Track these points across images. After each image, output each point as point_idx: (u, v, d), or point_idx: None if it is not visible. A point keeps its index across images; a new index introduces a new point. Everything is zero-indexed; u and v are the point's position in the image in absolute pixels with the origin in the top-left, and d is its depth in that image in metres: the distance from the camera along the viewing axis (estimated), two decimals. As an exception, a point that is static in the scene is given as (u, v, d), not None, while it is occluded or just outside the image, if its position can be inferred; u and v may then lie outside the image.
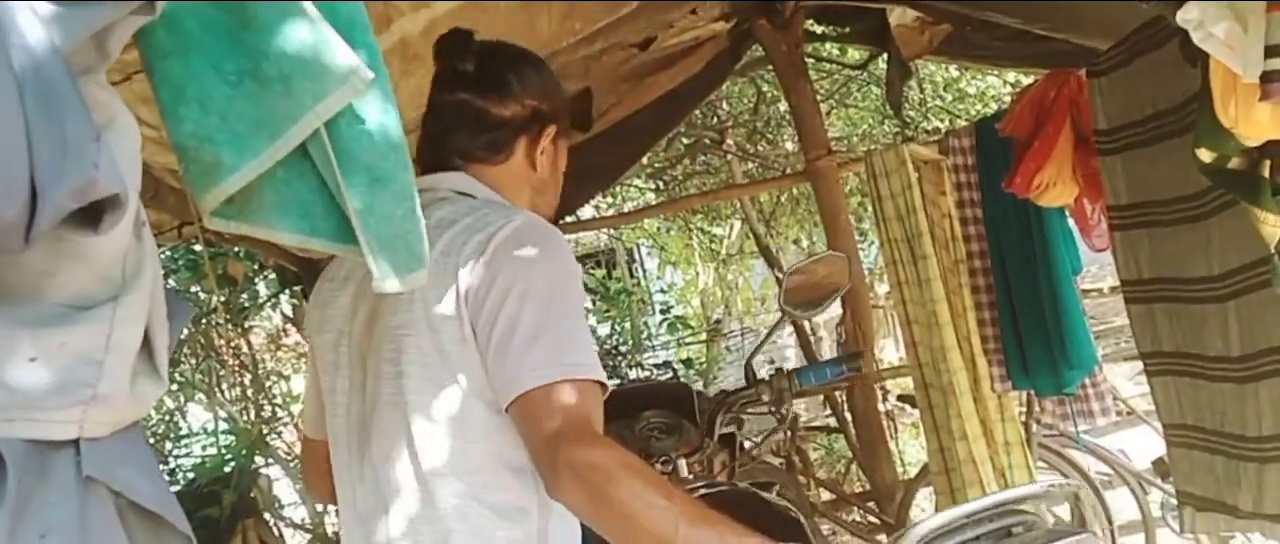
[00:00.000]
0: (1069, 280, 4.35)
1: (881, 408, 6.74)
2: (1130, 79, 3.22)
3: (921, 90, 8.52)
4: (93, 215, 1.28)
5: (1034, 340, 4.42)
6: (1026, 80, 4.39)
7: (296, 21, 1.40)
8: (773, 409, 3.97)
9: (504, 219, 1.95)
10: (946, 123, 8.11)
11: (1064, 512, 5.55)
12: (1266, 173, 2.56)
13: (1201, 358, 3.20)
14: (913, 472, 6.35)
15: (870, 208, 5.47)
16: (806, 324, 9.64)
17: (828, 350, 9.62)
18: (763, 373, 4.44)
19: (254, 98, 1.46)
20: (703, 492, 3.08)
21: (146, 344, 1.48)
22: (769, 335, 4.81)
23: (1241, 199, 2.65)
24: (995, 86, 8.73)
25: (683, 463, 3.30)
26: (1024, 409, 5.36)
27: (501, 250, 1.90)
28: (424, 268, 1.58)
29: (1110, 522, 5.53)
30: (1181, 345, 3.29)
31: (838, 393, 6.67)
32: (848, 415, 6.43)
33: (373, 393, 2.01)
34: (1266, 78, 2.12)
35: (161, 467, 8.50)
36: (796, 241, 10.96)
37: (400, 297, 1.86)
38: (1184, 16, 2.24)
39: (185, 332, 8.09)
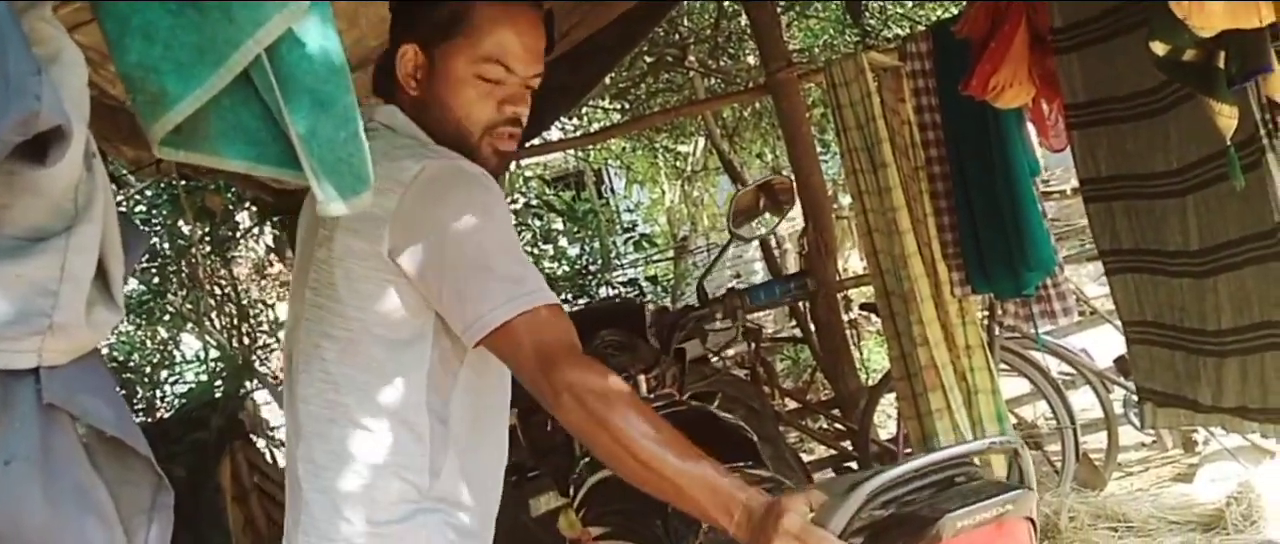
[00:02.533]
0: (1027, 182, 4.35)
1: (845, 317, 6.79)
2: None
3: (878, -4, 8.53)
4: (39, 148, 1.32)
5: (993, 244, 4.44)
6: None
7: None
8: (729, 325, 4.05)
9: (414, 165, 1.99)
10: (907, 29, 8.08)
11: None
12: (1222, 63, 2.56)
13: (1160, 254, 3.21)
14: (877, 379, 6.38)
15: (831, 118, 5.46)
16: (772, 238, 9.68)
17: (793, 263, 9.64)
18: (727, 288, 4.50)
19: (195, 26, 1.47)
20: (661, 409, 3.11)
21: (101, 273, 1.50)
22: (721, 255, 4.86)
23: (1197, 91, 2.65)
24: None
25: (642, 379, 3.34)
26: (986, 313, 5.40)
27: (416, 200, 1.96)
28: (368, 189, 1.59)
29: (1073, 420, 5.62)
30: (1140, 242, 3.29)
31: (801, 304, 6.70)
32: (811, 326, 6.47)
33: (296, 317, 2.14)
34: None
35: (155, 394, 8.61)
36: (760, 156, 10.98)
37: (326, 228, 2.02)
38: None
39: (171, 265, 8.17)
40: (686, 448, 1.82)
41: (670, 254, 11.98)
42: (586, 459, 3.15)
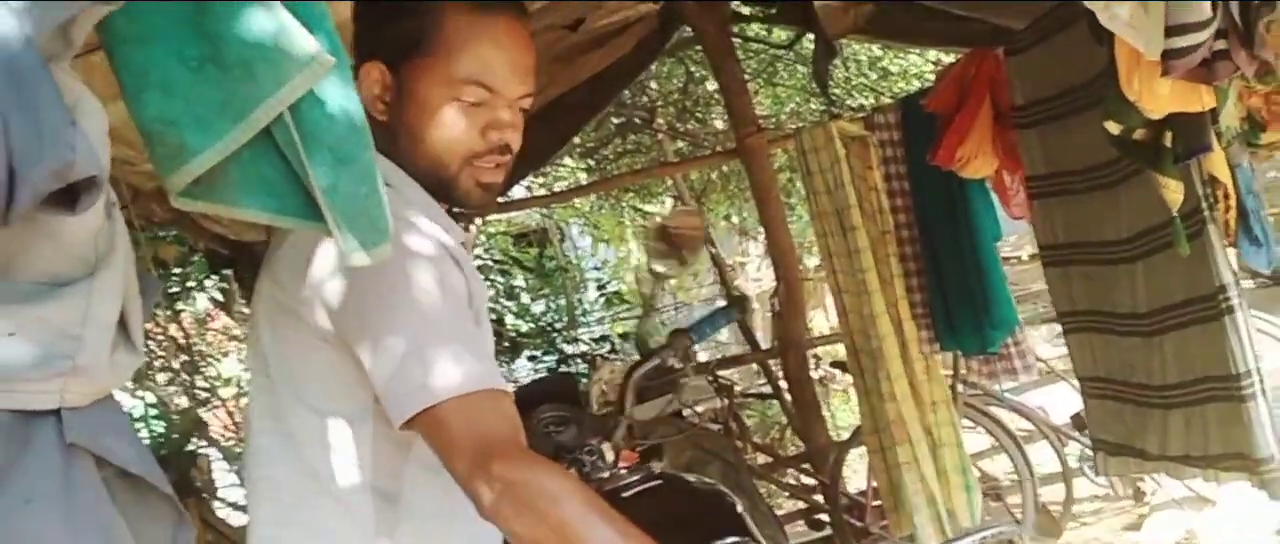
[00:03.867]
0: (991, 246, 4.59)
1: (814, 375, 6.98)
2: (1044, 57, 3.44)
3: (846, 68, 8.72)
4: (68, 197, 1.34)
5: (959, 303, 4.66)
6: (948, 59, 4.60)
7: (255, 9, 1.44)
8: (681, 367, 4.07)
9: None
10: (871, 99, 8.34)
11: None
12: (1168, 142, 2.82)
13: (1112, 315, 3.44)
14: (846, 434, 6.59)
15: (799, 183, 5.67)
16: (755, 305, 9.91)
17: (762, 323, 9.83)
18: (671, 330, 4.66)
19: (216, 82, 1.47)
20: (636, 483, 3.13)
21: (121, 318, 1.55)
22: (649, 304, 5.00)
23: (1146, 167, 2.91)
24: (917, 64, 8.94)
25: (607, 447, 3.29)
26: (950, 372, 5.63)
27: (346, 270, 1.70)
28: (388, 242, 1.54)
29: (1031, 473, 5.83)
30: (1094, 304, 3.53)
31: (772, 362, 6.87)
32: (783, 383, 6.63)
33: (252, 382, 1.94)
34: (1167, 55, 2.36)
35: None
36: (727, 218, 11.18)
37: (261, 283, 1.86)
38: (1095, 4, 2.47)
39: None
40: (642, 540, 1.55)
41: (639, 312, 12.13)
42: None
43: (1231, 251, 3.07)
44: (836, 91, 8.20)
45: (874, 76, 8.98)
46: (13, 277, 1.45)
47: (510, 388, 1.73)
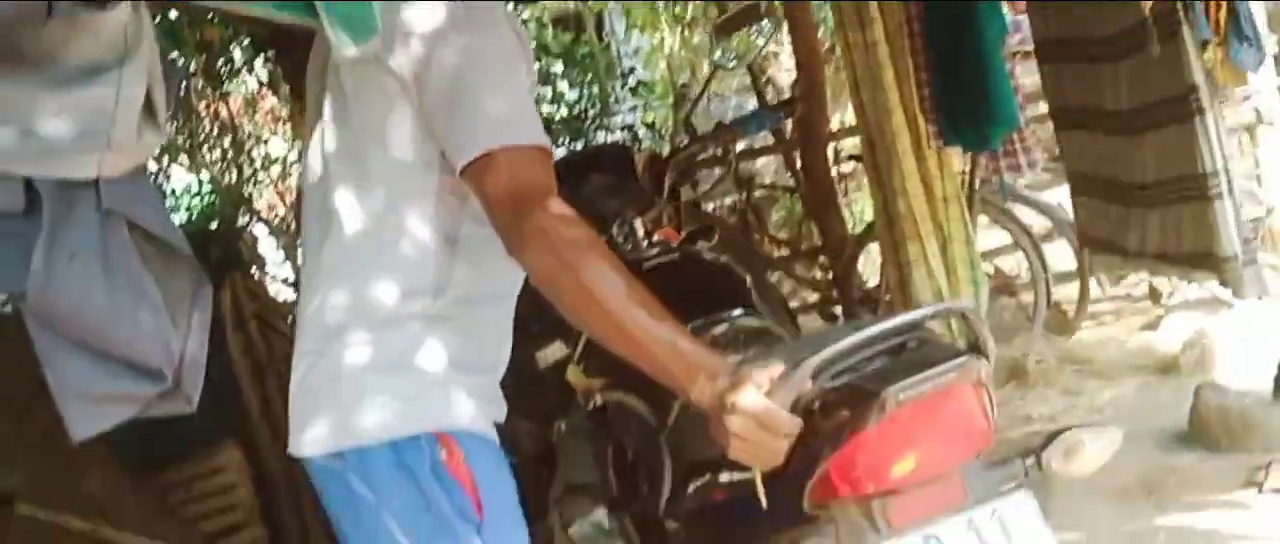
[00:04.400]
0: (995, 44, 4.56)
1: (835, 168, 7.04)
2: None
3: None
4: None
5: (961, 99, 4.68)
6: None
7: None
8: (719, 159, 4.19)
9: None
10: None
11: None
12: (1148, -57, 2.83)
13: (1099, 112, 3.50)
14: (862, 228, 6.65)
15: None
16: (770, 89, 9.89)
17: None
18: (716, 123, 4.69)
19: None
20: (656, 257, 3.19)
21: (148, 101, 1.78)
22: (706, 87, 5.01)
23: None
24: None
25: (638, 222, 3.33)
26: (967, 169, 5.67)
27: (426, 15, 1.90)
28: (376, 35, 1.81)
29: (1046, 270, 5.91)
30: (1083, 100, 3.58)
31: (794, 154, 6.91)
32: (803, 175, 6.70)
33: (309, 148, 2.14)
34: None
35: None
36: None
37: (333, 63, 1.99)
38: None
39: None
40: (656, 309, 1.76)
41: (669, 101, 12.11)
42: None
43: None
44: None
45: None
46: (59, 64, 1.68)
47: (552, 149, 1.91)
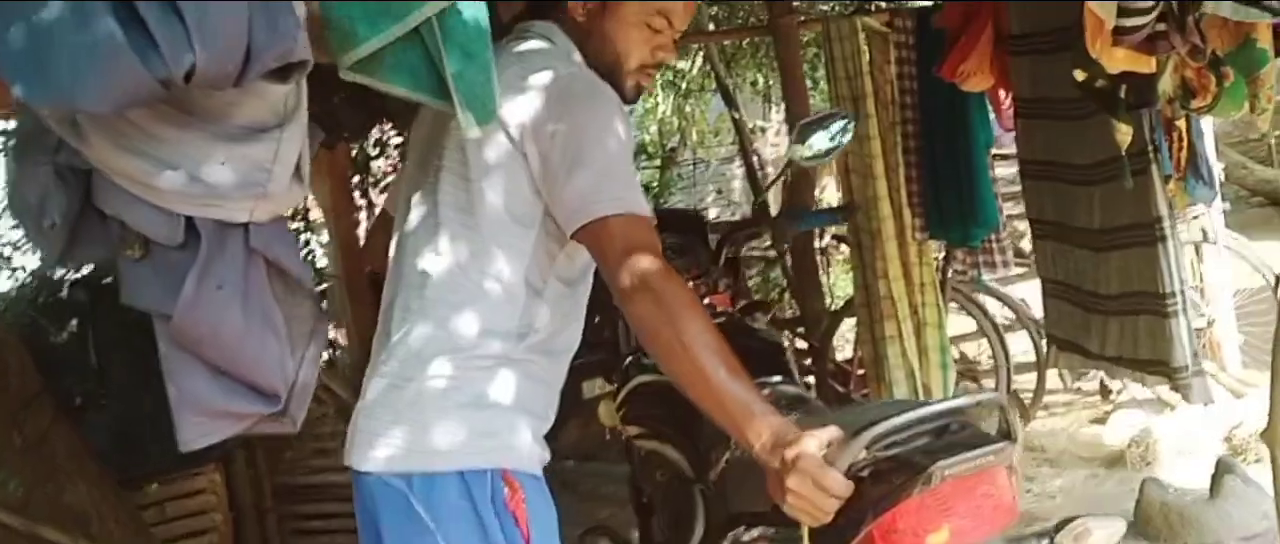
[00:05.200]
0: (982, 152, 5.07)
1: (817, 244, 7.42)
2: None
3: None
4: (281, 71, 1.81)
5: (950, 198, 5.14)
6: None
7: None
8: (773, 243, 4.42)
9: (563, 70, 2.25)
10: (899, -1, 8.57)
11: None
12: (1123, 94, 3.29)
13: (1071, 228, 3.93)
14: (839, 304, 7.06)
15: (823, 66, 6.07)
16: (755, 160, 10.32)
17: (775, 187, 10.19)
18: (718, 206, 5.03)
19: None
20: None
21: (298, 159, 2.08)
22: (781, 175, 5.24)
23: (1103, 110, 3.38)
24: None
25: (694, 284, 3.53)
26: (942, 257, 6.11)
27: (556, 98, 2.17)
28: (494, 119, 2.06)
29: (1007, 359, 6.34)
30: (1059, 216, 4.01)
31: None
32: (785, 248, 7.05)
33: (426, 181, 2.32)
34: (1118, 30, 2.82)
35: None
36: (754, 84, 11.43)
37: (455, 128, 2.17)
38: (1072, -30, 2.92)
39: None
40: (737, 367, 1.94)
41: (657, 162, 12.41)
42: (631, 359, 3.33)
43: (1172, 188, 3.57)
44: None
45: None
46: (228, 121, 1.95)
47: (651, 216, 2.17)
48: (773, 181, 4.40)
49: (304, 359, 2.21)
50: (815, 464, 1.82)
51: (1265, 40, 3.09)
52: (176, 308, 2.00)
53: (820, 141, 3.49)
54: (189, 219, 2.00)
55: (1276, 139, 12.94)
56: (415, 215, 2.32)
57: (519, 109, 2.16)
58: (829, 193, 10.69)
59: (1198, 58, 3.04)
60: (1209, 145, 5.69)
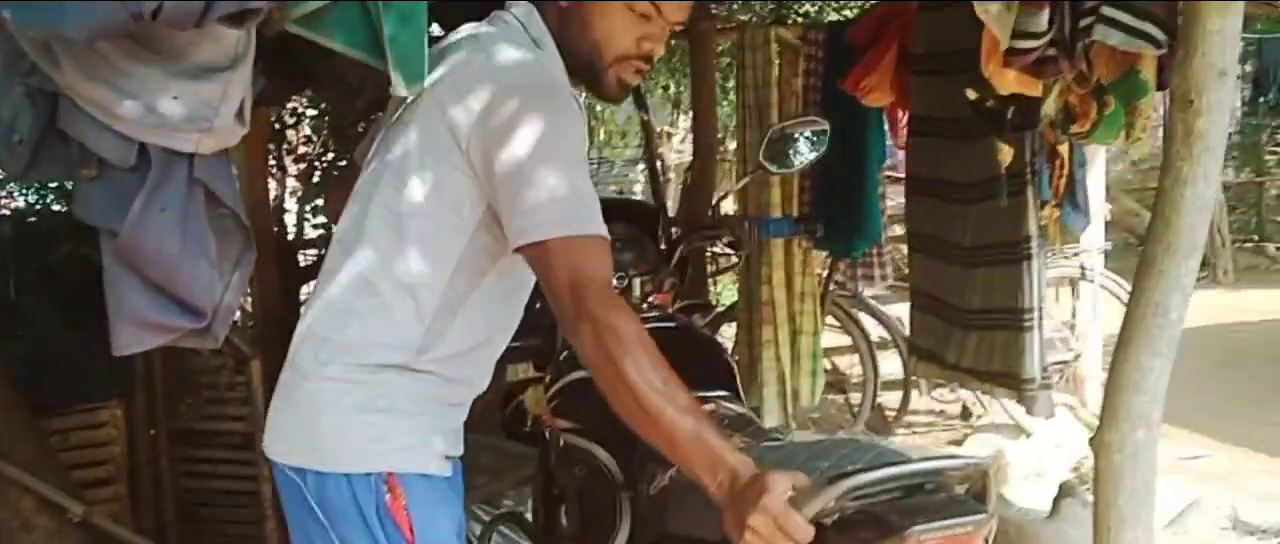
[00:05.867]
0: (874, 168, 5.26)
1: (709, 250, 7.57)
2: (945, 19, 4.01)
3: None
4: (235, 16, 2.02)
5: (838, 210, 5.33)
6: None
7: None
8: (732, 249, 4.51)
9: (513, 67, 2.09)
10: (816, 9, 8.76)
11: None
12: (1010, 115, 3.48)
13: (946, 243, 4.12)
14: (723, 308, 7.22)
15: (734, 75, 6.23)
16: (659, 164, 10.46)
17: (674, 191, 10.37)
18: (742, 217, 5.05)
19: None
20: (653, 321, 3.18)
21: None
22: (746, 182, 5.23)
23: (990, 131, 3.57)
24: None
25: (639, 281, 3.40)
26: (826, 270, 6.30)
27: (505, 102, 2.00)
28: (421, 83, 2.13)
29: (876, 374, 6.59)
30: (936, 231, 4.20)
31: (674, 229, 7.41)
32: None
33: (369, 176, 2.22)
34: (1010, 52, 3.00)
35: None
36: (665, 88, 11.60)
37: (414, 110, 2.13)
38: (973, -10, 3.10)
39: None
40: (689, 402, 1.87)
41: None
42: (564, 355, 3.16)
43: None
44: (788, -4, 8.64)
45: None
46: (184, 60, 2.14)
47: (608, 237, 1.99)
48: (739, 186, 4.17)
49: (230, 283, 2.41)
50: (780, 506, 1.77)
51: (1149, 72, 3.26)
52: (123, 226, 2.21)
53: (800, 152, 3.52)
54: (142, 146, 2.20)
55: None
56: (351, 209, 2.23)
57: (466, 105, 2.05)
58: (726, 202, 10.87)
59: (1083, 84, 3.23)
60: (1097, 178, 5.98)
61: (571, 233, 1.93)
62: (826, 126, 3.59)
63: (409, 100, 2.16)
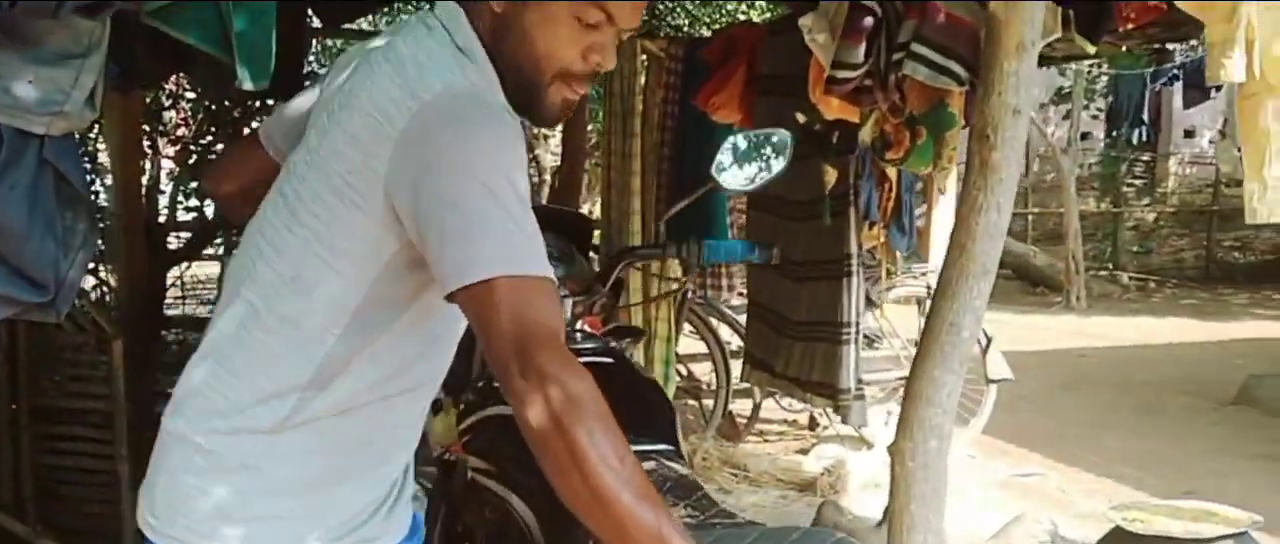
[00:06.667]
0: (722, 181, 5.43)
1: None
2: (786, 44, 4.20)
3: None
4: (90, 7, 2.16)
5: (688, 219, 5.47)
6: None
7: None
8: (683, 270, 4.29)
9: (437, 83, 1.68)
10: (687, 24, 8.94)
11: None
12: (835, 139, 3.67)
13: (783, 258, 4.30)
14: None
15: (601, 83, 6.39)
16: (533, 168, 10.59)
17: (545, 197, 10.47)
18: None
19: None
20: (590, 353, 2.81)
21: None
22: (694, 198, 4.94)
23: (814, 152, 3.76)
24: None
25: (571, 302, 2.95)
26: (680, 278, 6.45)
27: (428, 125, 1.64)
28: (266, 81, 2.27)
29: (728, 382, 6.75)
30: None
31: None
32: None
33: (266, 207, 1.84)
34: (831, 80, 3.18)
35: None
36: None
37: (330, 124, 1.74)
38: (803, 21, 3.28)
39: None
40: (647, 486, 1.54)
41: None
42: (481, 384, 2.81)
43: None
44: (660, 7, 8.79)
45: (695, 4, 9.49)
46: (41, 45, 2.26)
47: (556, 280, 1.63)
48: (683, 205, 3.66)
49: (75, 262, 2.52)
50: None
51: (956, 105, 3.48)
52: (-26, 198, 2.33)
53: (762, 165, 3.12)
54: (-5, 125, 2.33)
55: (1032, 216, 13.94)
56: (248, 231, 1.88)
57: (379, 131, 1.66)
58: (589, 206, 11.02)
59: (897, 114, 3.44)
60: (949, 203, 6.19)
61: (515, 273, 1.56)
62: (787, 135, 3.18)
63: (313, 119, 1.83)
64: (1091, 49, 3.57)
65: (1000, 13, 2.72)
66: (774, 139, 3.16)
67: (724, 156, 3.16)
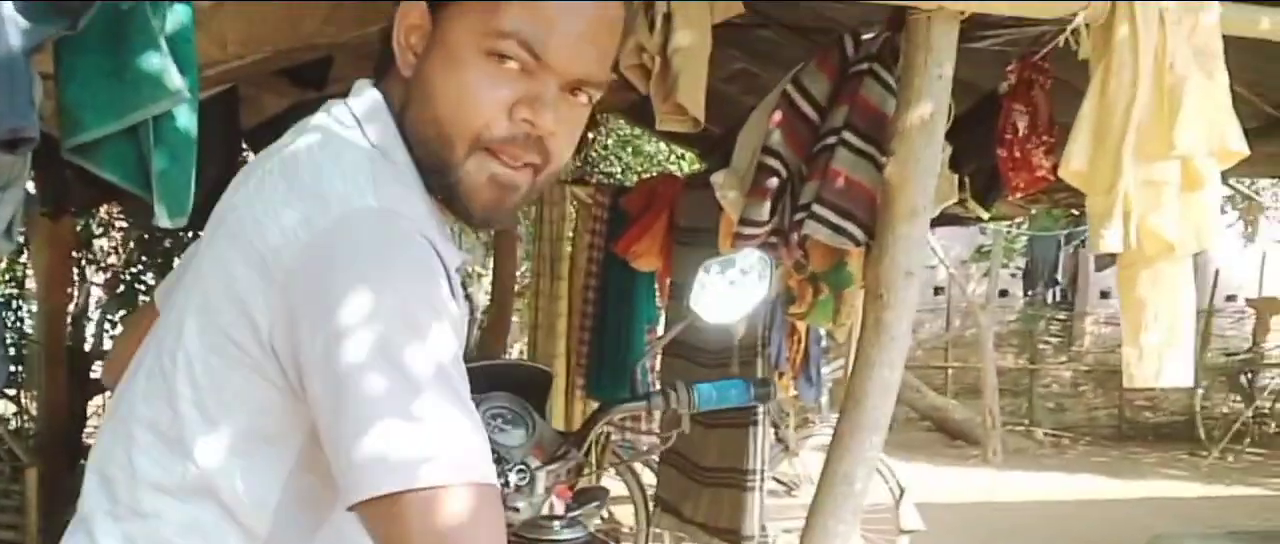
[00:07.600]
0: (641, 324, 5.61)
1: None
2: (701, 197, 4.37)
3: (607, 138, 9.57)
4: (10, 142, 2.17)
5: (610, 362, 5.64)
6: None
7: (153, 53, 2.28)
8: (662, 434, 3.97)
9: (333, 207, 1.22)
10: (618, 171, 9.19)
11: None
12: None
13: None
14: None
15: (533, 225, 6.58)
16: (465, 304, 10.65)
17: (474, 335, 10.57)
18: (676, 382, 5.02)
19: (114, 91, 2.26)
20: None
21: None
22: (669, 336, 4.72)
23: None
24: (664, 152, 9.84)
25: (543, 474, 2.36)
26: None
27: (319, 270, 1.20)
28: (184, 218, 2.31)
29: (650, 524, 6.81)
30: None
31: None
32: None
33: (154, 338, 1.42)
34: (737, 236, 3.35)
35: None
36: (478, 235, 11.86)
37: (211, 260, 1.28)
38: (714, 178, 3.46)
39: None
40: None
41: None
42: None
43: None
44: (594, 154, 9.01)
45: (629, 153, 9.76)
46: None
47: (497, 483, 1.20)
48: (662, 341, 3.43)
49: None
50: None
51: (856, 266, 3.63)
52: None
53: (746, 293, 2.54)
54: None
55: (953, 370, 14.19)
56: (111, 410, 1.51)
57: (264, 273, 1.22)
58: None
59: (800, 270, 3.60)
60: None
61: (432, 484, 1.13)
62: (766, 257, 2.64)
63: (198, 250, 1.42)
64: (986, 214, 3.79)
65: (894, 179, 2.90)
66: (752, 261, 2.60)
67: (700, 288, 2.68)
